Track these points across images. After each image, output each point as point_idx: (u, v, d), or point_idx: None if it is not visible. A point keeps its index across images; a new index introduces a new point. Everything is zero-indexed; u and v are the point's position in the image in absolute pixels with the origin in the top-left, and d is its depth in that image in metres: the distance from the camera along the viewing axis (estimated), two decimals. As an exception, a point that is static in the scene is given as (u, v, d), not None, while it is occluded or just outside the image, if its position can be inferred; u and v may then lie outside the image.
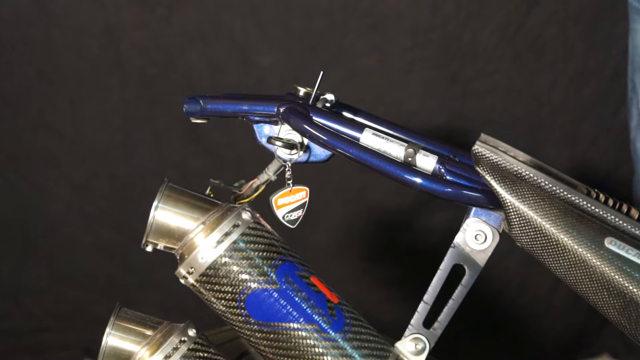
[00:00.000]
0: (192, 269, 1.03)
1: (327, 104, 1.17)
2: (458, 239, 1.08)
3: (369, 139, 1.10)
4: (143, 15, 2.22)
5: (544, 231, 0.99)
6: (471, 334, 2.33)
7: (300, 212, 1.14)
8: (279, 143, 1.11)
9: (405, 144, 1.08)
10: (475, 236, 1.07)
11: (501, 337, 2.45)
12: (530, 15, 2.24)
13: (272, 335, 1.03)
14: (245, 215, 1.05)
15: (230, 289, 1.02)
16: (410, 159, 1.07)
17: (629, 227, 0.99)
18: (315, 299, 1.03)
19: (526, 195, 1.00)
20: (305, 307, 1.03)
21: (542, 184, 1.01)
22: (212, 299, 1.04)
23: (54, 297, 2.41)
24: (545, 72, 2.29)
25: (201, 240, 1.03)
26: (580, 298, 1.02)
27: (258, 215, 1.08)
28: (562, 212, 0.99)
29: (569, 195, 1.01)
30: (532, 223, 1.00)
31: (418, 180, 1.05)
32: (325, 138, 1.08)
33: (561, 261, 1.00)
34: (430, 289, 1.08)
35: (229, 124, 1.39)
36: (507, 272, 2.39)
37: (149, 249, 1.08)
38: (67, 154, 2.33)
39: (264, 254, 1.04)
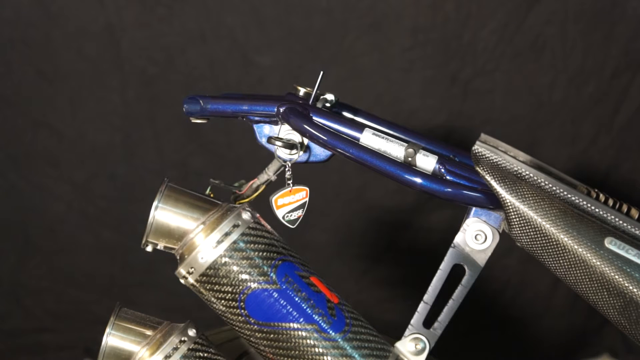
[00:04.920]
0: (192, 269, 1.03)
1: (327, 104, 1.17)
2: (458, 239, 1.08)
3: (369, 139, 1.10)
4: (143, 15, 2.22)
5: (544, 231, 0.99)
6: (471, 333, 2.33)
7: (300, 212, 1.14)
8: (279, 143, 1.11)
9: (405, 144, 1.08)
10: (475, 236, 1.07)
11: (501, 337, 2.45)
12: (530, 15, 2.24)
13: (272, 335, 1.03)
14: (245, 215, 1.05)
15: (230, 289, 1.02)
16: (410, 159, 1.07)
17: (629, 227, 0.99)
18: (315, 299, 1.03)
19: (526, 195, 1.00)
20: (305, 307, 1.03)
21: (542, 184, 1.01)
22: (212, 299, 1.04)
23: (54, 297, 2.41)
24: (545, 72, 2.29)
25: (201, 240, 1.03)
26: (580, 298, 1.02)
27: (258, 215, 1.08)
28: (562, 212, 0.99)
29: (569, 195, 1.01)
30: (532, 223, 1.00)
31: (418, 180, 1.05)
32: (325, 138, 1.08)
33: (561, 261, 1.00)
34: (430, 289, 1.08)
35: (229, 124, 1.39)
36: (507, 271, 2.39)
37: (149, 249, 1.08)
38: (67, 154, 2.33)
39: (264, 254, 1.04)
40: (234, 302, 1.03)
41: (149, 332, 1.07)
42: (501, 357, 2.42)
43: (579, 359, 2.41)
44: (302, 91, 1.15)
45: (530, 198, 1.00)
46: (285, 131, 1.13)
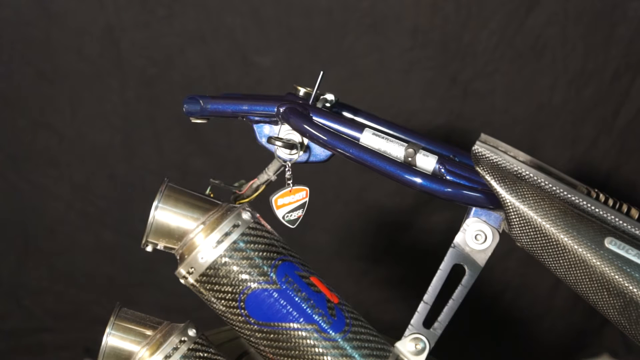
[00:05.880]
0: (192, 269, 1.03)
1: (327, 104, 1.17)
2: (458, 239, 1.08)
3: (369, 139, 1.10)
4: (143, 15, 2.22)
5: (544, 231, 0.99)
6: (471, 334, 2.33)
7: (300, 212, 1.14)
8: (279, 143, 1.11)
9: (405, 144, 1.08)
10: (475, 236, 1.07)
11: (501, 337, 2.45)
12: (530, 15, 2.24)
13: (272, 335, 1.03)
14: (245, 215, 1.05)
15: (230, 289, 1.03)
16: (410, 159, 1.07)
17: (629, 227, 0.99)
18: (315, 299, 1.03)
19: (526, 195, 1.00)
20: (305, 307, 1.03)
21: (542, 184, 1.01)
22: (212, 299, 1.04)
23: (54, 297, 2.41)
24: (545, 73, 2.29)
25: (201, 240, 1.03)
26: (580, 298, 1.02)
27: (258, 215, 1.08)
28: (562, 212, 0.99)
29: (569, 195, 1.01)
30: (532, 223, 1.00)
31: (418, 180, 1.05)
32: (325, 138, 1.08)
33: (561, 261, 1.00)
34: (430, 289, 1.08)
35: (229, 124, 1.39)
36: (507, 272, 2.39)
37: (149, 249, 1.08)
38: (67, 154, 2.33)
39: (264, 254, 1.04)
40: (234, 302, 1.03)
41: (149, 332, 1.07)
42: (501, 357, 2.42)
43: (579, 359, 2.41)
44: (302, 91, 1.15)
45: (530, 198, 1.00)
46: (285, 131, 1.13)
